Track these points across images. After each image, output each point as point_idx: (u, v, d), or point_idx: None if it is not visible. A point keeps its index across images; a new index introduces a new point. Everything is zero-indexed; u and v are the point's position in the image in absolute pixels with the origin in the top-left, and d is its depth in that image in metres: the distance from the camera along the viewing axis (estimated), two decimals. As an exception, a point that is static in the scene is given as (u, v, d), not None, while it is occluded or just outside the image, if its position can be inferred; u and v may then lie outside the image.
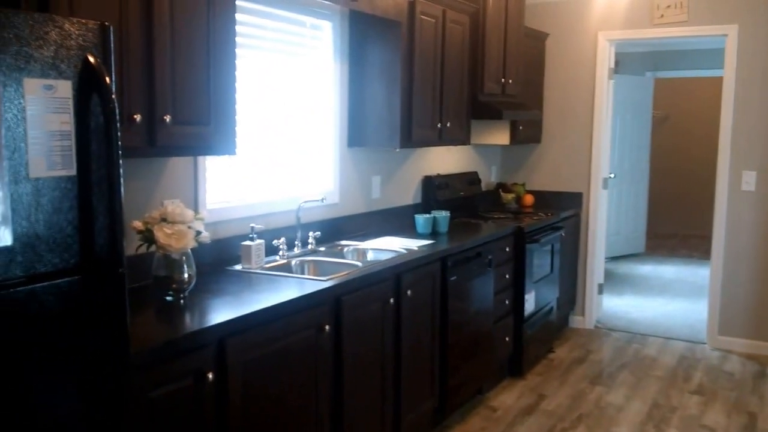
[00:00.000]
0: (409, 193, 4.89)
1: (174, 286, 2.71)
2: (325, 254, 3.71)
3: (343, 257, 3.84)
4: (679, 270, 8.59)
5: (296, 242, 3.62)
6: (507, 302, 4.72)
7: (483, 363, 4.42)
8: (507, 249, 4.68)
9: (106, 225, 1.82)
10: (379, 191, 4.53)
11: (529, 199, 5.97)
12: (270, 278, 3.08)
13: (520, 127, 5.57)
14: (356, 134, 4.18)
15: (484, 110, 4.91)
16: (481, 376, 4.42)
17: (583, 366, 5.19)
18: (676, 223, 11.08)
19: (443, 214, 4.40)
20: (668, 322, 6.30)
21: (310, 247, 3.69)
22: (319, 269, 3.52)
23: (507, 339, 4.75)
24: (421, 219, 4.32)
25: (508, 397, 4.57)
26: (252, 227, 3.29)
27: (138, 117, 2.47)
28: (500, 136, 5.49)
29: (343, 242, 3.97)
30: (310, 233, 3.72)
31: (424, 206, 5.01)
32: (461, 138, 4.73)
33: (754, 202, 5.54)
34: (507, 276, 4.70)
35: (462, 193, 5.34)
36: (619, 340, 5.81)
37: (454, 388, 4.04)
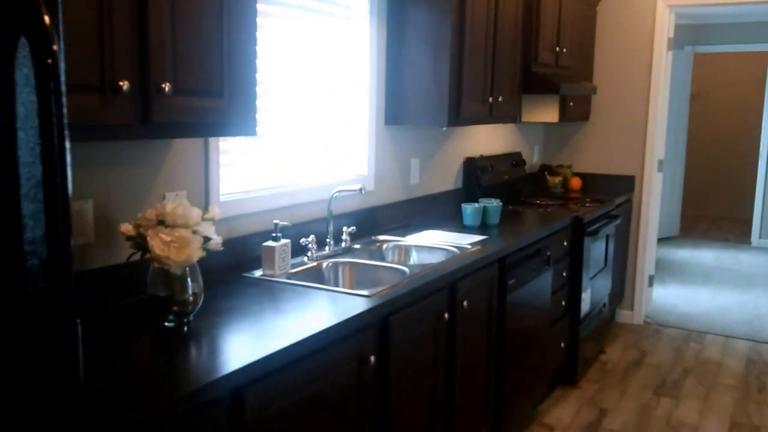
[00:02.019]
0: (449, 178, 4.13)
1: (175, 308, 1.98)
2: (361, 254, 2.97)
3: (383, 258, 3.10)
4: (718, 256, 7.81)
5: (328, 239, 2.88)
6: (563, 303, 3.98)
7: (538, 375, 3.69)
8: (565, 243, 3.92)
9: (42, 242, 1.09)
10: (418, 176, 3.78)
11: (576, 183, 5.20)
12: (298, 290, 2.34)
13: (571, 103, 4.78)
14: (395, 110, 3.42)
15: (538, 83, 4.13)
16: (536, 390, 3.69)
17: (641, 371, 4.45)
18: (706, 205, 10.27)
19: (494, 204, 3.64)
20: (723, 318, 5.55)
21: (343, 244, 2.95)
22: (357, 275, 2.78)
23: (562, 345, 4.01)
24: (469, 209, 3.56)
25: (563, 412, 3.84)
26: (276, 224, 2.54)
27: (125, 84, 1.72)
28: (549, 113, 4.70)
29: (381, 237, 3.23)
30: (344, 228, 2.97)
31: (466, 192, 4.25)
32: (512, 114, 3.95)
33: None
34: (564, 273, 3.95)
35: (506, 177, 4.57)
36: (675, 339, 5.06)
37: (510, 408, 3.32)
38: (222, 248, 2.04)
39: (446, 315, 2.63)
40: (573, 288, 4.04)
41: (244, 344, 1.87)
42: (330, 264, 2.76)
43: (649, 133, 5.16)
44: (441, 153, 4.00)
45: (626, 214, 5.15)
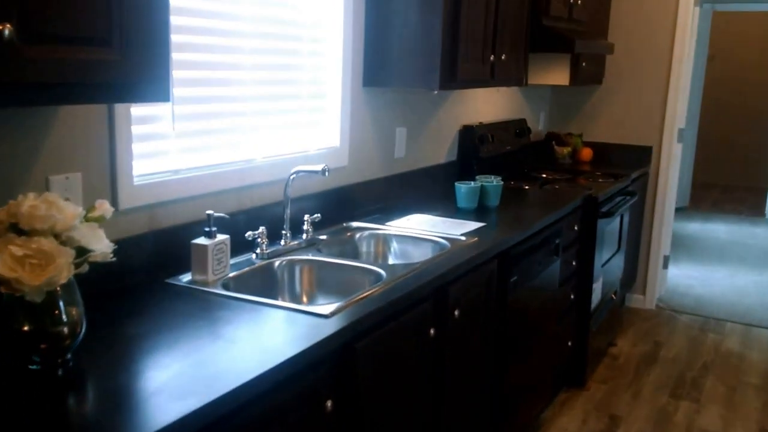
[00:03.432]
0: (442, 149, 3.50)
1: (43, 346, 1.39)
2: (328, 248, 2.36)
3: (355, 252, 2.49)
4: (731, 230, 7.19)
5: (284, 230, 2.26)
6: (572, 296, 3.38)
7: (542, 380, 3.11)
8: (575, 227, 3.31)
9: None
10: (404, 148, 3.15)
11: (587, 154, 4.56)
12: (233, 306, 1.74)
13: (583, 64, 4.12)
14: (376, 69, 2.77)
15: (548, 39, 3.47)
16: (539, 397, 3.12)
17: (656, 368, 3.87)
18: (717, 174, 9.62)
19: (494, 182, 3.02)
20: (742, 301, 4.96)
21: (305, 236, 2.34)
22: (320, 278, 2.17)
23: (569, 343, 3.43)
24: (463, 189, 2.94)
25: (570, 422, 3.27)
26: (209, 215, 1.93)
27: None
28: (559, 74, 4.05)
29: (355, 224, 2.62)
30: (306, 217, 2.35)
31: (462, 166, 3.62)
32: (517, 76, 3.30)
33: None
34: (573, 263, 3.34)
35: (508, 147, 3.94)
36: (691, 327, 4.48)
37: (510, 425, 2.75)
38: (113, 259, 1.43)
39: (432, 330, 2.03)
40: (583, 278, 3.44)
41: (143, 398, 1.27)
42: (284, 263, 2.15)
43: (670, 99, 4.50)
44: (433, 120, 3.36)
45: (642, 190, 4.52)
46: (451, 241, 2.42)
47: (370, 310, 1.73)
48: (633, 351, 4.08)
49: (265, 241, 2.15)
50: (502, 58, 3.03)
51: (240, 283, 1.96)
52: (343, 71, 2.67)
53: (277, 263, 2.13)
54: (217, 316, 1.67)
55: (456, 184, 2.96)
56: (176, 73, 1.99)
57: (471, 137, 3.62)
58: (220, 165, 2.19)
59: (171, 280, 1.90)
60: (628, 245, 4.31)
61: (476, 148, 3.61)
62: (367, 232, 2.55)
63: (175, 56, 1.97)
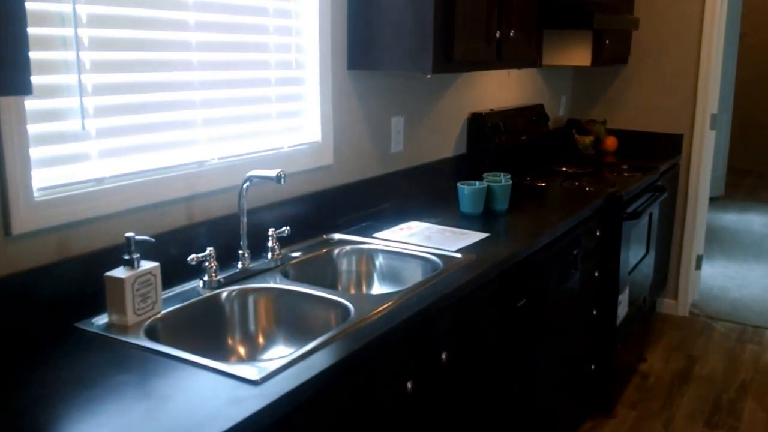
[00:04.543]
0: (448, 141, 3.08)
1: None
2: (298, 269, 1.96)
3: (332, 275, 2.08)
4: (769, 221, 6.69)
5: (242, 249, 1.86)
6: (594, 312, 2.96)
7: (562, 414, 2.70)
8: (597, 232, 2.88)
9: None
10: (402, 141, 2.73)
11: (611, 143, 4.11)
12: (145, 363, 1.35)
13: (606, 41, 3.66)
14: (361, 49, 2.35)
15: (565, 13, 3.03)
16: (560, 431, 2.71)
17: (690, 388, 3.44)
18: (752, 159, 9.06)
19: (502, 181, 2.59)
20: (786, 307, 4.49)
21: (270, 255, 1.93)
22: (278, 314, 1.77)
23: (592, 367, 3.01)
24: (467, 191, 2.52)
25: (591, 456, 2.86)
26: (128, 239, 1.53)
27: None
28: (579, 54, 3.60)
29: (337, 236, 2.22)
30: (271, 231, 1.95)
31: (471, 160, 3.20)
32: (529, 56, 2.85)
33: None
34: (595, 273, 2.91)
35: (524, 137, 3.50)
36: (728, 338, 4.03)
37: (517, 471, 2.35)
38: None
39: (410, 384, 1.62)
40: (607, 291, 3.01)
41: None
42: (234, 294, 1.75)
43: (701, 82, 4.03)
44: (436, 107, 2.94)
45: (672, 183, 4.07)
46: (445, 259, 2.01)
47: (318, 370, 1.32)
48: (665, 368, 3.65)
49: (214, 265, 1.75)
50: (511, 35, 2.59)
51: (171, 325, 1.57)
52: (320, 51, 2.25)
53: (224, 294, 1.73)
54: (117, 380, 1.28)
55: (458, 185, 2.53)
56: (88, 55, 1.59)
57: (481, 126, 3.19)
58: (162, 170, 1.79)
59: (81, 324, 1.51)
60: (657, 245, 3.87)
61: (487, 139, 3.18)
62: (348, 247, 2.14)
63: (85, 33, 1.57)
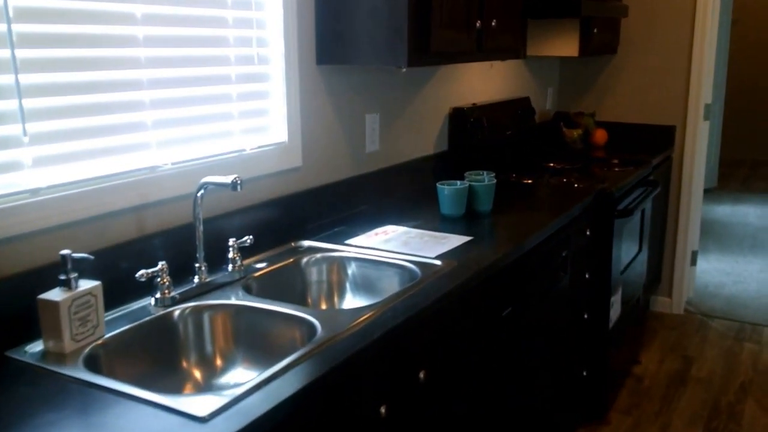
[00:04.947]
0: (428, 139, 2.95)
1: None
2: (262, 282, 1.82)
3: (301, 286, 1.95)
4: (763, 212, 6.60)
5: (198, 263, 1.72)
6: (585, 316, 2.84)
7: (552, 424, 2.58)
8: (588, 231, 2.75)
9: None
10: (377, 139, 2.60)
11: (601, 137, 3.98)
12: (79, 398, 1.21)
13: (595, 30, 3.54)
14: (331, 42, 2.22)
15: (550, 1, 2.90)
16: (545, 443, 2.59)
17: (687, 391, 3.33)
18: (744, 149, 8.98)
19: (485, 180, 2.47)
20: (784, 302, 4.40)
21: (231, 267, 1.80)
22: (237, 333, 1.63)
23: (584, 373, 2.89)
24: (446, 191, 2.39)
25: (585, 468, 2.74)
26: (65, 256, 1.39)
27: None
28: (566, 44, 3.47)
29: (306, 243, 2.08)
30: (231, 242, 1.81)
31: (453, 158, 3.07)
32: (512, 47, 2.73)
33: None
34: (586, 275, 2.79)
35: (509, 132, 3.37)
36: (725, 336, 3.93)
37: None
38: None
39: (383, 409, 1.49)
40: (599, 293, 2.89)
41: None
42: (188, 312, 1.61)
43: (694, 71, 3.91)
44: (414, 103, 2.81)
45: (665, 176, 3.95)
46: (424, 267, 1.88)
47: (276, 402, 1.19)
48: (660, 370, 3.54)
49: (167, 280, 1.61)
50: (492, 25, 2.46)
51: (116, 350, 1.43)
52: (286, 45, 2.11)
53: (177, 313, 1.59)
54: (45, 420, 1.14)
55: (438, 185, 2.40)
56: (21, 52, 1.45)
57: (462, 122, 3.07)
58: (107, 177, 1.65)
59: (12, 353, 1.37)
60: (650, 242, 3.75)
61: (469, 135, 3.05)
62: (319, 255, 2.01)
63: (18, 28, 1.43)
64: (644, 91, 4.05)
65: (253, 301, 1.64)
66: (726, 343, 3.84)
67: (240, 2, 1.97)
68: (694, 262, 4.30)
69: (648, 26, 3.96)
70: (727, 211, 6.65)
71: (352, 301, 1.98)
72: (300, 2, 2.14)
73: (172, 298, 1.62)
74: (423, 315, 1.60)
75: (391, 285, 1.92)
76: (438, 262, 1.91)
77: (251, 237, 1.83)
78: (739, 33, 8.63)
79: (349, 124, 2.44)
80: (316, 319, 1.52)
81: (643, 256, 3.53)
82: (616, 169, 3.31)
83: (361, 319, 1.52)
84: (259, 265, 1.88)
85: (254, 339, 1.61)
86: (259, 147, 2.07)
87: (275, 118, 2.14)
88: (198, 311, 1.61)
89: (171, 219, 1.79)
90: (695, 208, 4.12)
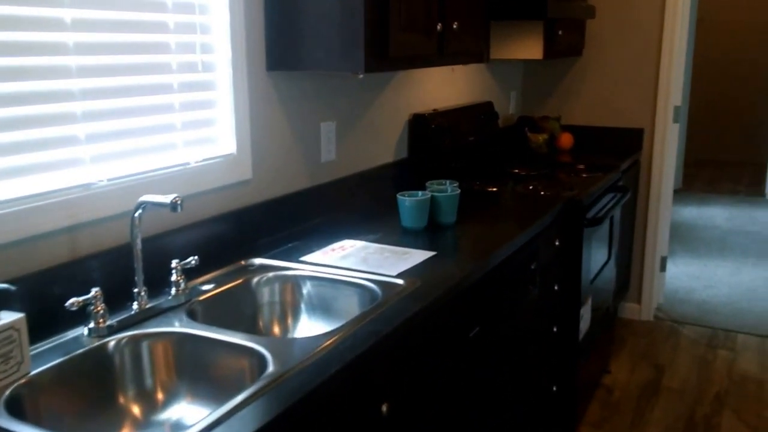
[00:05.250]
0: (388, 146, 2.86)
1: None
2: (207, 306, 1.71)
3: (251, 310, 1.84)
4: (730, 214, 6.64)
5: (137, 287, 1.60)
6: (554, 329, 2.77)
7: (519, 443, 2.50)
8: (556, 242, 2.69)
9: None
10: (334, 148, 2.50)
11: (566, 141, 3.94)
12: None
13: (560, 32, 3.49)
14: (282, 47, 2.11)
15: (514, 2, 2.84)
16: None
17: (660, 402, 3.29)
18: (709, 149, 9.07)
19: (448, 190, 2.38)
20: (753, 307, 4.39)
21: (175, 290, 1.68)
22: (180, 364, 1.52)
23: (554, 388, 2.82)
24: (407, 203, 2.29)
25: (557, 488, 2.67)
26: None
27: None
28: (530, 47, 3.41)
29: (258, 261, 1.97)
30: (174, 263, 1.69)
31: (414, 165, 2.99)
32: (475, 50, 2.65)
33: None
34: (555, 287, 2.73)
35: (472, 138, 3.30)
36: (697, 343, 3.90)
37: None
38: None
39: (341, 447, 1.39)
40: (568, 305, 2.83)
41: None
42: (126, 342, 1.49)
43: (662, 72, 3.89)
44: (372, 109, 2.71)
45: (633, 180, 3.92)
46: (385, 287, 1.78)
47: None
48: (631, 380, 3.49)
49: (101, 308, 1.50)
50: (454, 27, 2.38)
51: (43, 389, 1.31)
52: (233, 51, 2.00)
53: (113, 343, 1.47)
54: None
55: (398, 196, 2.31)
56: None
57: (423, 128, 2.98)
58: (34, 197, 1.52)
59: None
60: (619, 248, 3.71)
61: (430, 142, 2.97)
62: (271, 274, 1.90)
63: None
64: (611, 93, 4.01)
65: (197, 329, 1.53)
66: (698, 351, 3.81)
67: (182, 6, 1.86)
68: (663, 268, 4.27)
69: (615, 27, 3.93)
70: (693, 212, 6.69)
71: (307, 323, 1.88)
72: (248, 5, 2.04)
73: (109, 327, 1.50)
74: (385, 343, 1.51)
75: (350, 306, 1.83)
76: (400, 281, 1.81)
77: (196, 257, 1.72)
78: (704, 31, 8.72)
79: (302, 133, 2.34)
80: (267, 350, 1.42)
81: (612, 264, 3.48)
82: (584, 175, 3.26)
83: (318, 350, 1.42)
84: (205, 287, 1.77)
85: (199, 371, 1.50)
86: (205, 160, 1.96)
87: (222, 129, 2.03)
88: (136, 341, 1.50)
89: (107, 240, 1.67)
90: (664, 212, 4.10)
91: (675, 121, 4.00)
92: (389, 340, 1.53)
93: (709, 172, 8.49)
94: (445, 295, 1.77)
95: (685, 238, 5.81)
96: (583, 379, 3.10)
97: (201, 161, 1.94)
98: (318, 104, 2.39)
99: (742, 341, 3.93)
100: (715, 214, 6.63)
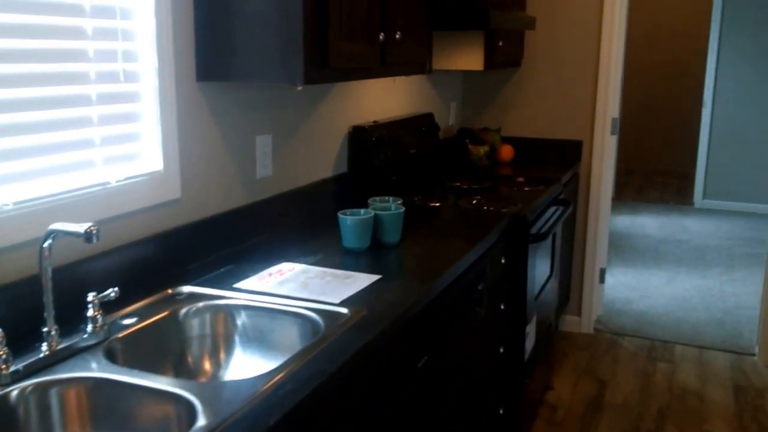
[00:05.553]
0: (326, 161, 2.70)
1: None
2: (128, 345, 1.52)
3: (178, 346, 1.65)
4: (662, 223, 6.72)
5: (47, 326, 1.40)
6: (501, 350, 2.66)
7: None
8: (502, 260, 2.58)
9: None
10: (269, 163, 2.33)
11: (507, 153, 3.86)
12: None
13: (500, 43, 3.40)
14: (214, 56, 1.93)
15: (457, 11, 2.72)
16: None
17: (605, 419, 3.22)
18: (637, 158, 9.21)
19: (392, 208, 2.24)
20: (689, 317, 4.40)
21: (91, 327, 1.48)
22: (95, 413, 1.33)
23: (501, 411, 2.71)
24: (349, 222, 2.14)
25: None
26: None
27: None
28: (470, 58, 3.32)
29: (187, 289, 1.79)
30: (91, 296, 1.50)
31: (355, 180, 2.84)
32: (418, 61, 2.52)
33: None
34: (501, 306, 2.62)
35: (413, 151, 3.18)
36: (637, 356, 3.87)
37: None
38: None
39: None
40: (514, 324, 2.72)
41: None
42: (31, 390, 1.29)
43: (600, 84, 3.85)
44: (310, 122, 2.55)
45: (572, 193, 3.87)
46: (328, 316, 1.63)
47: None
48: (574, 396, 3.41)
49: (3, 352, 1.29)
50: (397, 37, 2.24)
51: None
52: (159, 59, 1.82)
53: (16, 393, 1.27)
54: None
55: (340, 215, 2.16)
56: None
57: (363, 141, 2.84)
58: (-76, 225, 1.31)
59: None
60: (561, 263, 3.64)
61: (370, 155, 2.83)
62: (201, 304, 1.72)
63: None
64: (551, 105, 3.96)
65: (116, 373, 1.35)
66: (639, 364, 3.77)
67: (101, 10, 1.67)
68: (602, 280, 4.23)
69: (553, 39, 3.87)
70: (626, 222, 6.74)
71: (242, 358, 1.71)
72: (176, 10, 1.86)
73: (13, 373, 1.30)
74: (329, 385, 1.35)
75: (290, 339, 1.66)
76: (344, 310, 1.66)
77: (116, 289, 1.53)
78: (630, 43, 8.84)
79: (237, 148, 2.16)
80: (197, 396, 1.25)
81: (555, 278, 3.41)
82: (526, 188, 3.17)
83: (254, 396, 1.25)
84: (126, 322, 1.58)
85: (118, 422, 1.31)
86: (128, 178, 1.76)
87: (148, 144, 1.84)
88: (44, 388, 1.30)
89: (11, 272, 1.47)
90: (603, 224, 4.06)
91: (613, 133, 3.97)
92: (334, 380, 1.37)
93: (639, 182, 8.61)
94: (393, 325, 1.63)
95: (619, 248, 5.82)
96: (528, 397, 3.00)
97: (123, 180, 1.75)
98: (253, 116, 2.22)
99: (680, 352, 3.92)
100: (647, 223, 6.70)
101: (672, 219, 6.88)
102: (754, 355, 3.87)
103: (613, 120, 3.94)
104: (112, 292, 1.53)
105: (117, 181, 1.73)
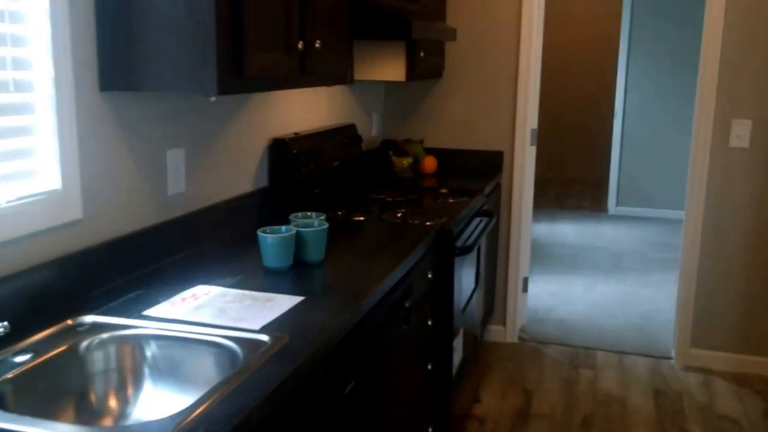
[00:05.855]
0: (246, 174, 2.55)
1: None
2: (20, 385, 1.34)
3: (79, 384, 1.48)
4: (579, 230, 6.81)
5: (-76, 370, 1.22)
6: (429, 367, 2.56)
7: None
8: (429, 275, 2.48)
9: None
10: (182, 179, 2.16)
11: (430, 164, 3.78)
12: None
13: (422, 54, 3.32)
14: (118, 64, 1.77)
15: (378, 20, 2.63)
16: None
17: (531, 430, 3.16)
18: (552, 167, 9.34)
19: (315, 224, 2.11)
20: (608, 323, 4.43)
21: (-24, 368, 1.30)
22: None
23: (430, 430, 2.61)
24: (270, 241, 2.00)
25: None
26: None
27: None
28: (392, 68, 3.22)
29: (89, 319, 1.61)
30: (-25, 334, 1.32)
31: (275, 195, 2.69)
32: (339, 70, 2.40)
33: (746, 163, 3.63)
34: (429, 322, 2.52)
35: (336, 163, 3.06)
36: (560, 363, 3.85)
37: None
38: None
39: None
40: (442, 340, 2.63)
41: None
42: None
43: (520, 95, 3.83)
44: (227, 134, 2.40)
45: (495, 203, 3.82)
46: (247, 345, 1.49)
47: None
48: (501, 408, 3.35)
49: None
50: (316, 45, 2.12)
51: None
52: (56, 67, 1.64)
53: None
54: None
55: (259, 233, 2.01)
56: None
57: (284, 154, 2.70)
58: None
59: None
60: (485, 273, 3.59)
61: (291, 168, 2.69)
62: (105, 335, 1.55)
63: None
64: (472, 116, 3.91)
65: (3, 421, 1.17)
66: (563, 373, 3.75)
67: (-14, 10, 1.49)
68: (525, 289, 4.21)
69: (473, 50, 3.83)
70: (544, 229, 6.80)
71: (153, 393, 1.55)
72: (74, 14, 1.68)
73: None
74: (249, 422, 1.21)
75: (205, 371, 1.51)
76: (265, 338, 1.52)
77: (5, 324, 1.35)
78: (548, 56, 8.97)
79: (146, 163, 1.99)
80: (95, 446, 1.09)
81: (480, 288, 3.35)
82: (450, 200, 3.10)
83: (160, 440, 1.10)
84: (19, 359, 1.39)
85: (5, 479, 1.14)
86: (20, 198, 1.58)
87: (44, 160, 1.66)
88: None
89: None
90: (525, 234, 4.04)
91: (532, 143, 3.96)
92: (253, 418, 1.24)
93: (556, 190, 8.74)
94: (317, 353, 1.50)
95: (540, 256, 5.85)
96: (455, 412, 2.91)
97: (15, 200, 1.56)
98: (164, 129, 2.05)
99: (602, 359, 3.92)
100: (566, 231, 6.77)
101: (588, 226, 6.98)
102: (671, 358, 3.92)
103: (533, 131, 3.93)
104: (1, 327, 1.35)
105: (8, 202, 1.54)
